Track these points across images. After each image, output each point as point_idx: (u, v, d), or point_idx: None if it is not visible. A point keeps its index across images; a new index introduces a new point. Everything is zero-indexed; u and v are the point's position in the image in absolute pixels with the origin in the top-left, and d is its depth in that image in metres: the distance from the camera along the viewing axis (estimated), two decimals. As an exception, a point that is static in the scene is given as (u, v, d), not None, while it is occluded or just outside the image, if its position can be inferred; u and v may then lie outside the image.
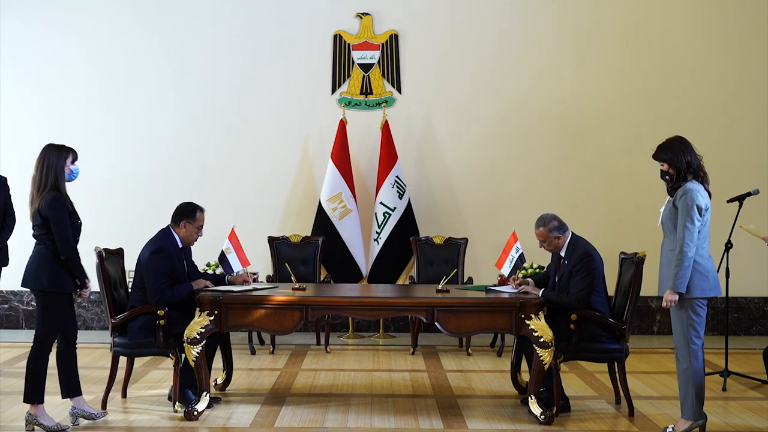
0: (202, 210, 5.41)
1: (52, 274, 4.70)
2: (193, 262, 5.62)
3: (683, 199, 4.59)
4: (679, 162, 4.68)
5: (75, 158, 4.85)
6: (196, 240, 5.45)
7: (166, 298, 5.15)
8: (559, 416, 5.15)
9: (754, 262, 8.00)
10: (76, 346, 4.95)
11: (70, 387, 4.91)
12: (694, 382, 4.63)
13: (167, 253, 5.22)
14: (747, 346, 7.59)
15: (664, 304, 4.61)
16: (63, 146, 4.83)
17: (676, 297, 4.57)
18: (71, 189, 4.81)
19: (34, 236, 4.80)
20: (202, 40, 8.32)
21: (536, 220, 5.35)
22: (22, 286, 4.86)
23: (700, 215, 4.60)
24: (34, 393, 4.76)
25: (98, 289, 5.33)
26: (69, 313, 4.88)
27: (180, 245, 5.37)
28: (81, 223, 4.89)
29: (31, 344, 4.80)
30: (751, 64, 8.30)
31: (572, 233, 5.31)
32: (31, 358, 4.78)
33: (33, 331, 4.87)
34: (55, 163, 4.73)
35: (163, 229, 5.39)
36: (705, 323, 4.71)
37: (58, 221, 4.67)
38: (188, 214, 5.36)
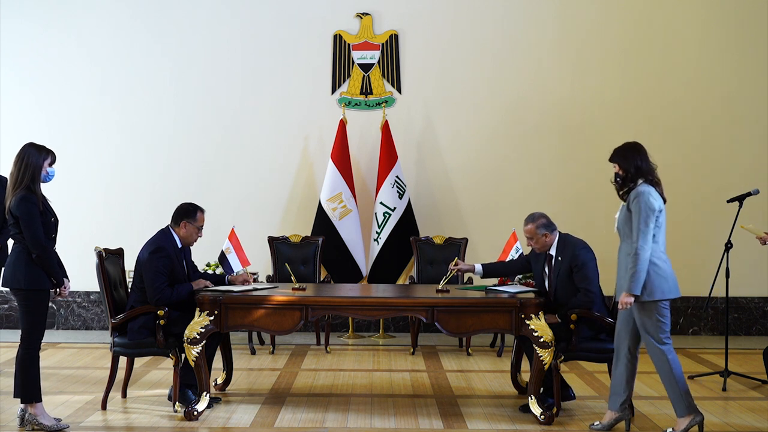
0: (202, 210, 5.42)
1: (29, 272, 4.71)
2: (193, 262, 5.62)
3: (636, 202, 4.61)
4: (628, 164, 4.72)
5: (53, 161, 4.85)
6: (195, 240, 5.45)
7: (165, 298, 5.15)
8: (563, 405, 5.19)
9: (754, 262, 8.00)
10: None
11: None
12: (677, 378, 4.67)
13: (166, 252, 5.22)
14: (747, 346, 7.58)
15: (620, 306, 4.65)
16: (43, 147, 4.83)
17: (632, 299, 4.60)
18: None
19: (11, 236, 4.82)
20: (202, 40, 8.32)
21: (525, 217, 5.37)
22: (2, 286, 4.89)
23: (654, 217, 4.58)
24: (30, 392, 4.76)
25: (98, 289, 5.33)
26: None
27: (179, 245, 5.37)
28: (56, 220, 4.88)
29: (19, 344, 4.80)
30: (751, 64, 8.30)
31: (559, 232, 5.33)
32: (21, 358, 4.77)
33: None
34: (34, 162, 4.74)
35: (162, 229, 5.40)
36: (669, 320, 4.79)
37: (26, 219, 4.67)
38: (189, 214, 5.36)
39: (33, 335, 4.78)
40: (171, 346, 5.19)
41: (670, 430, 4.76)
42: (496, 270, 5.77)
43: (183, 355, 5.18)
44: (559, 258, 5.25)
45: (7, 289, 5.25)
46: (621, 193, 4.77)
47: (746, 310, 8.29)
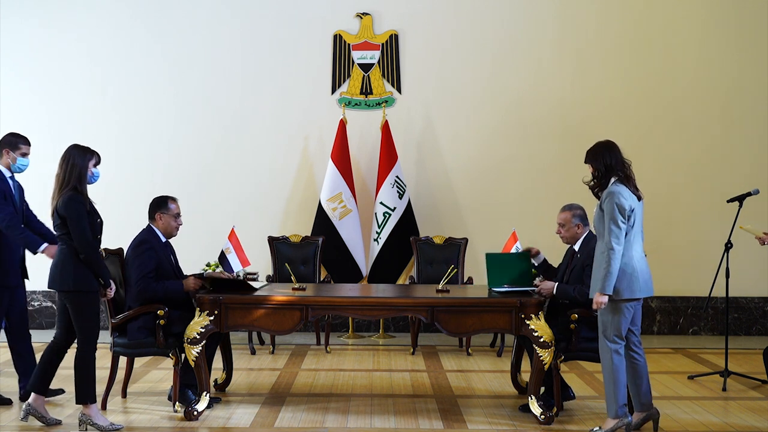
0: (174, 199, 5.44)
1: (77, 272, 4.70)
2: (179, 264, 5.57)
3: (607, 202, 4.62)
4: (598, 164, 4.74)
5: (98, 161, 4.91)
6: (176, 229, 5.43)
7: (150, 291, 5.12)
8: (563, 405, 5.20)
9: (754, 262, 8.00)
10: (67, 349, 4.94)
11: (40, 384, 4.88)
12: (616, 381, 4.65)
13: (150, 245, 5.24)
14: (747, 346, 7.58)
15: (594, 306, 4.64)
16: (88, 148, 4.86)
17: (606, 299, 4.59)
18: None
19: (57, 236, 4.82)
20: (202, 40, 8.33)
21: (563, 205, 5.35)
22: (49, 287, 4.85)
23: (624, 217, 4.57)
24: (86, 393, 4.77)
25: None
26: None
27: (163, 240, 5.38)
28: (101, 221, 4.90)
29: (76, 345, 4.81)
30: (751, 64, 8.30)
31: (590, 231, 5.28)
32: (77, 358, 4.77)
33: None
34: (79, 163, 4.75)
35: (144, 228, 5.41)
36: (628, 323, 4.72)
37: (74, 219, 4.67)
38: (160, 205, 5.39)
39: (87, 335, 4.76)
40: (171, 346, 5.18)
41: (597, 429, 4.75)
42: (548, 272, 5.50)
43: (183, 355, 5.19)
44: (578, 255, 5.22)
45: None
46: (596, 191, 4.78)
47: (746, 310, 8.29)
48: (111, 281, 4.87)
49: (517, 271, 5.39)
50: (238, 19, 8.33)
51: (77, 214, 4.68)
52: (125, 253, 5.31)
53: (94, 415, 4.79)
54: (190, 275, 5.37)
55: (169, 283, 5.23)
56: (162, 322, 5.10)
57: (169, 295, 5.19)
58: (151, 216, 5.40)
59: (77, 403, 4.82)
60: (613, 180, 4.69)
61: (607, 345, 4.67)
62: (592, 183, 4.79)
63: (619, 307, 4.63)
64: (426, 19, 8.32)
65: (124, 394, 5.57)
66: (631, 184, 4.69)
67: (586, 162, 4.83)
